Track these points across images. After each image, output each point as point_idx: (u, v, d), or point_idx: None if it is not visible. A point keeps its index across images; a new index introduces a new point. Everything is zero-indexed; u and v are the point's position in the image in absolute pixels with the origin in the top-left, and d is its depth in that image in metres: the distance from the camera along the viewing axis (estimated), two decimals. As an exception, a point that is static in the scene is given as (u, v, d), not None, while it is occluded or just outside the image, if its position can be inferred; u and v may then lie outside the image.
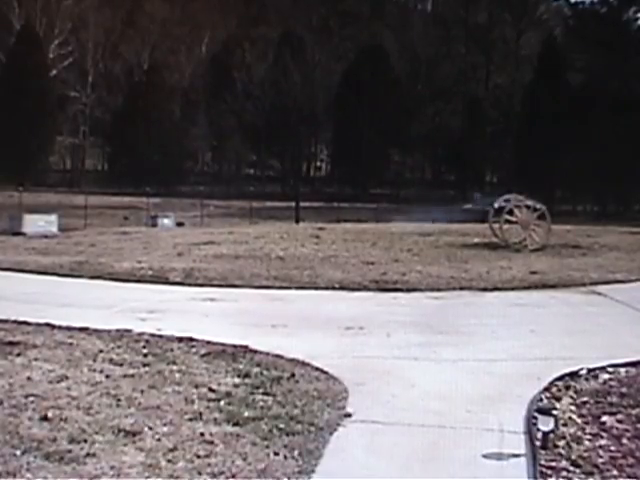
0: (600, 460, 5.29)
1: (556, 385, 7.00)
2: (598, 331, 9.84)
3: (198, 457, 5.15)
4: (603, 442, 5.64)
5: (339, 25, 73.97)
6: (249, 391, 6.62)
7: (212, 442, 5.41)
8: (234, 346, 8.16)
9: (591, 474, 5.08)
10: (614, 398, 6.67)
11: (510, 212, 21.00)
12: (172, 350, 7.98)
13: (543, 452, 5.38)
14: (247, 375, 7.09)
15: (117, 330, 8.85)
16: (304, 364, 7.57)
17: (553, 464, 5.20)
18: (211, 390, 6.59)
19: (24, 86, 60.23)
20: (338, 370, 7.37)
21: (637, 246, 20.58)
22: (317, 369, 7.41)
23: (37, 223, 28.32)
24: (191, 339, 8.45)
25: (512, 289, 13.20)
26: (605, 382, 7.20)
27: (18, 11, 66.65)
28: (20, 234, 26.23)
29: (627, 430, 5.89)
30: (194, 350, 8.02)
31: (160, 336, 8.62)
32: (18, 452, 5.09)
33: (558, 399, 6.63)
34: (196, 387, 6.66)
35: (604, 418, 6.15)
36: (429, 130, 65.97)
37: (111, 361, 7.45)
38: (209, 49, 73.90)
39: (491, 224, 21.83)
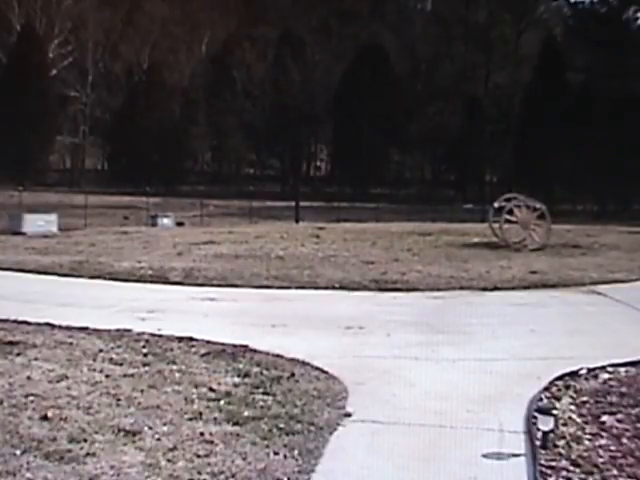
0: (600, 460, 5.29)
1: (556, 385, 7.00)
2: (598, 331, 9.83)
3: (198, 457, 5.15)
4: (603, 442, 5.63)
5: (339, 25, 73.79)
6: (249, 391, 6.61)
7: (212, 442, 5.41)
8: (234, 346, 8.16)
9: (591, 474, 5.07)
10: (614, 398, 6.67)
11: (510, 212, 21.01)
12: (172, 350, 7.98)
13: (543, 452, 5.38)
14: (247, 375, 7.08)
15: (117, 330, 8.85)
16: (304, 364, 7.57)
17: (553, 464, 5.20)
18: (211, 390, 6.59)
19: (24, 86, 60.17)
20: (338, 369, 7.37)
21: (637, 245, 20.59)
22: (317, 369, 7.41)
23: (37, 223, 28.25)
24: (191, 339, 8.45)
25: (512, 289, 13.19)
26: (605, 382, 7.19)
27: (18, 11, 66.55)
28: (20, 234, 26.19)
29: (627, 430, 5.89)
30: (194, 350, 8.02)
31: (160, 336, 8.62)
32: (18, 452, 5.09)
33: (558, 399, 6.62)
34: (196, 387, 6.66)
35: (604, 418, 6.14)
36: (429, 129, 65.79)
37: (111, 361, 7.45)
38: (209, 49, 73.83)
39: (491, 224, 21.85)
